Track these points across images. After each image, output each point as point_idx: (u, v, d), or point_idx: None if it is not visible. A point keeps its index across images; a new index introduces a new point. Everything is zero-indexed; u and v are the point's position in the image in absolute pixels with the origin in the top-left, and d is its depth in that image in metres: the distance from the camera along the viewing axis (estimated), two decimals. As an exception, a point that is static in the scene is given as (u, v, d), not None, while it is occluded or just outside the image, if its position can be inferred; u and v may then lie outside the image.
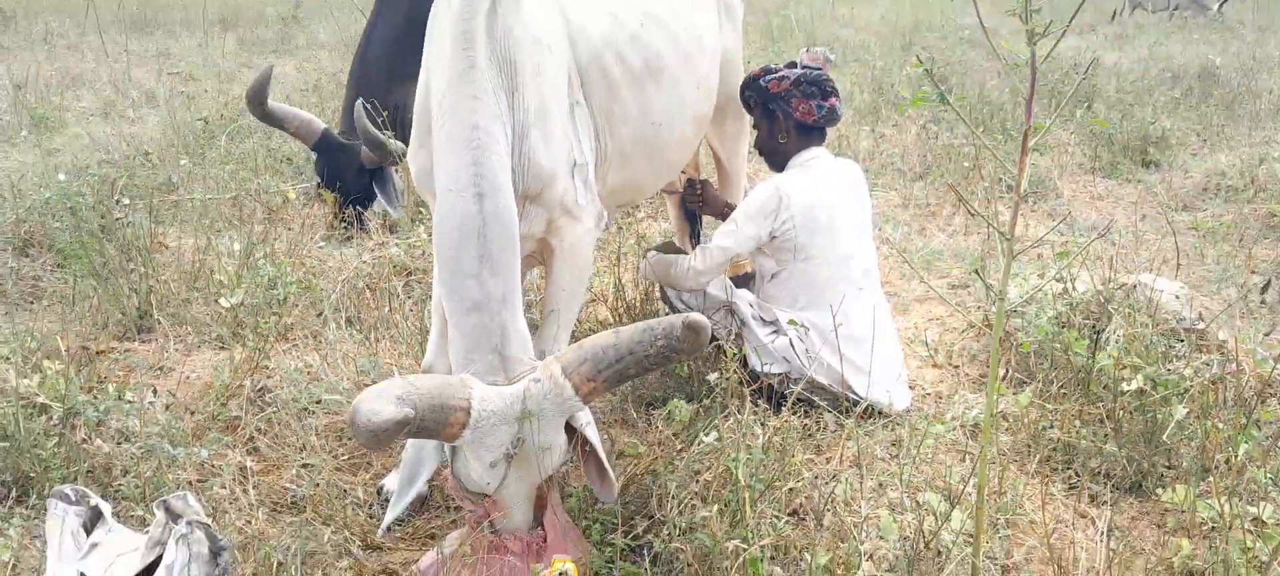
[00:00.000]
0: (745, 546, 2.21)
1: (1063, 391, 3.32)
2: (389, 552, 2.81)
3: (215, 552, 2.27)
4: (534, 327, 3.38)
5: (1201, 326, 3.47)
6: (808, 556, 2.24)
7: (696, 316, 2.28)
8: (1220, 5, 12.32)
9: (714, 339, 3.43)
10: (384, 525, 2.59)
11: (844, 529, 2.36)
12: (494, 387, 2.41)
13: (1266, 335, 3.59)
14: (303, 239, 4.82)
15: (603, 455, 2.58)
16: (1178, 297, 3.81)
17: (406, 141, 5.11)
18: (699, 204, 3.83)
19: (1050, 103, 8.13)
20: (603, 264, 4.62)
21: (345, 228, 5.15)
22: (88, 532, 2.31)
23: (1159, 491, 2.73)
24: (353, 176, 5.16)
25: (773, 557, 2.30)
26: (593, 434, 2.57)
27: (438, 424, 2.28)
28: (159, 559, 2.24)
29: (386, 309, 4.04)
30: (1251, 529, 2.51)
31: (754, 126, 3.61)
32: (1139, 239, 5.24)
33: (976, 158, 6.24)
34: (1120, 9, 14.23)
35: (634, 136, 3.11)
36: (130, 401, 3.04)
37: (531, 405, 2.37)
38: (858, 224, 3.46)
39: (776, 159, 3.54)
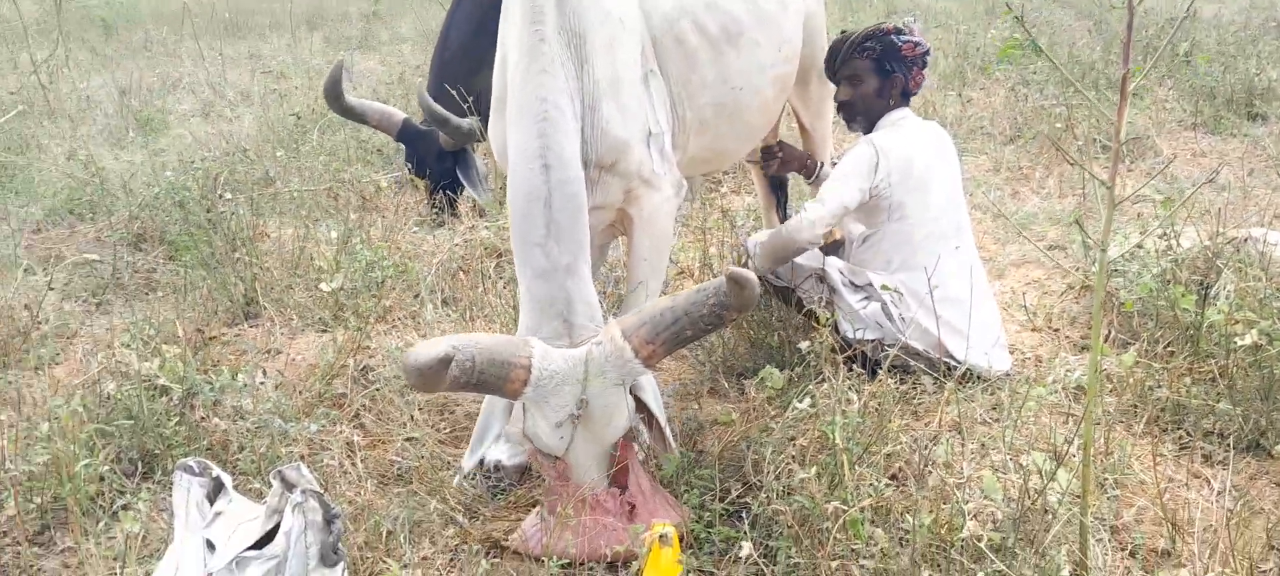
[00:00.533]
0: (845, 508, 2.20)
1: (1170, 349, 3.22)
2: (492, 520, 2.87)
3: (329, 520, 2.35)
4: (617, 300, 3.43)
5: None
6: (909, 518, 2.22)
7: (740, 270, 2.33)
8: None
9: (804, 307, 3.43)
10: (458, 479, 2.70)
11: (945, 490, 2.33)
12: (556, 349, 2.50)
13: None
14: (397, 225, 4.93)
15: (664, 422, 2.66)
16: (1292, 250, 3.65)
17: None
18: (779, 165, 3.77)
19: (1145, 58, 7.85)
20: (687, 238, 4.63)
21: (437, 213, 5.26)
22: (211, 503, 2.41)
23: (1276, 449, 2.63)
24: (434, 162, 5.25)
25: (872, 520, 2.28)
26: (652, 400, 2.64)
27: (498, 377, 2.39)
28: (277, 526, 2.33)
29: (480, 289, 4.11)
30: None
31: (845, 81, 3.50)
32: (1247, 194, 5.04)
33: (1069, 117, 6.06)
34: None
35: (713, 102, 3.12)
36: (243, 382, 3.15)
37: (593, 367, 2.45)
38: (950, 182, 3.39)
39: (864, 119, 3.47)
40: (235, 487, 2.64)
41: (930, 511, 2.31)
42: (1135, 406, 3.08)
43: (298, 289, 4.15)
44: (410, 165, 5.39)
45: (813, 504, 2.25)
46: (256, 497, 2.67)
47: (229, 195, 4.87)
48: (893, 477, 2.51)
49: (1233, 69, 6.95)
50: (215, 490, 2.44)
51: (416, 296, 4.18)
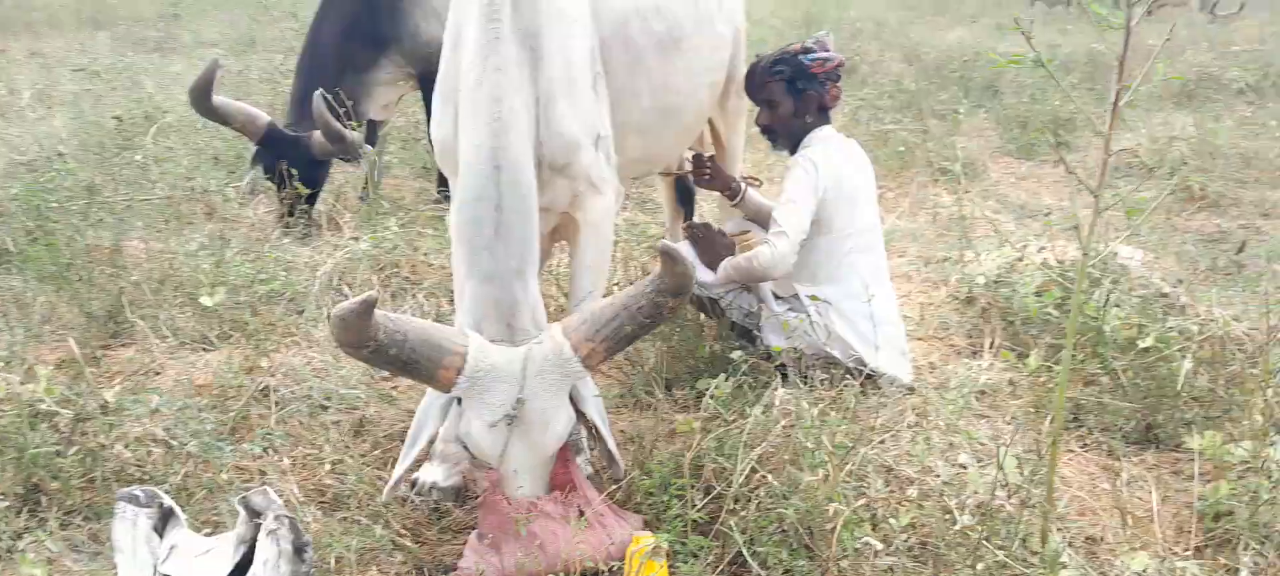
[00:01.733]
0: (844, 508, 2.25)
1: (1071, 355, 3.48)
2: (440, 545, 2.74)
3: (299, 549, 2.17)
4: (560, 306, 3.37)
5: (1176, 289, 3.69)
6: (892, 520, 2.30)
7: (669, 244, 2.37)
8: (1212, 9, 12.81)
9: (727, 316, 3.48)
10: (387, 489, 2.59)
11: (926, 487, 2.43)
12: (494, 345, 2.46)
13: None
14: (261, 237, 4.63)
15: (606, 433, 2.63)
16: (1143, 265, 4.06)
17: (365, 132, 5.02)
18: (708, 181, 3.76)
19: (961, 89, 8.51)
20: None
21: (299, 224, 4.96)
22: (160, 535, 2.17)
23: (1186, 440, 2.89)
24: (306, 169, 4.98)
25: (861, 521, 2.35)
26: (595, 414, 2.62)
27: (430, 360, 2.34)
28: (246, 556, 2.13)
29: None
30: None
31: (764, 103, 3.58)
32: (1070, 217, 5.53)
33: (921, 143, 6.46)
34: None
35: (655, 106, 3.14)
36: (156, 405, 2.85)
37: (531, 366, 2.42)
38: (871, 197, 3.53)
39: (786, 139, 3.55)
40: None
41: (907, 511, 2.40)
42: (1036, 409, 3.30)
43: (170, 305, 3.80)
44: (268, 173, 5.07)
45: (812, 506, 2.28)
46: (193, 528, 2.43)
47: (54, 204, 4.42)
48: (861, 480, 2.58)
49: (1040, 101, 7.62)
50: (163, 520, 2.20)
51: (301, 312, 3.93)
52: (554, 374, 2.44)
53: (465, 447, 2.59)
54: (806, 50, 3.53)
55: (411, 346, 2.30)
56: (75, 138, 6.22)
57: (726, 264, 3.42)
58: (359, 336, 2.21)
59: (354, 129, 4.84)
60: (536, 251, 2.65)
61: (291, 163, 4.95)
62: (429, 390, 2.57)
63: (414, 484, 2.94)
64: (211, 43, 11.63)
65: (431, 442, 2.91)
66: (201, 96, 4.71)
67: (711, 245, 3.55)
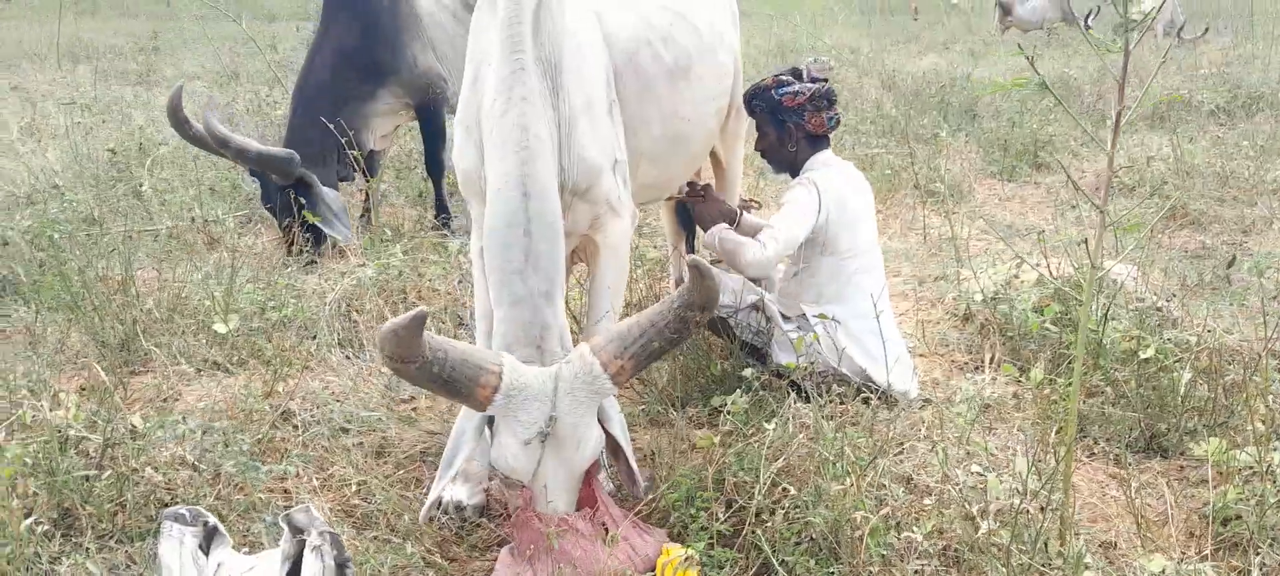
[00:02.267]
0: (871, 516, 2.32)
1: (1064, 367, 3.58)
2: (469, 562, 2.78)
3: (341, 564, 2.21)
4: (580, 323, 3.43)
5: (1169, 304, 3.80)
6: (915, 527, 2.38)
7: (699, 259, 2.42)
8: (1178, 32, 13.08)
9: (738, 336, 3.56)
10: (424, 509, 2.63)
11: (946, 495, 2.51)
12: (527, 365, 2.51)
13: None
14: (270, 265, 4.67)
15: (629, 454, 2.68)
16: (1134, 280, 4.18)
17: (366, 161, 5.07)
18: (700, 205, 3.86)
19: (940, 114, 8.69)
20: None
21: (299, 252, 4.99)
22: (205, 553, 2.20)
23: (1191, 447, 2.99)
24: (276, 194, 5.03)
25: (887, 528, 2.42)
26: (618, 431, 2.66)
27: (468, 380, 2.38)
28: (291, 572, 2.16)
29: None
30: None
31: (757, 129, 3.71)
32: (1061, 234, 5.67)
33: (908, 165, 6.58)
34: (996, 29, 15.11)
35: (665, 134, 3.23)
36: (183, 430, 2.88)
37: (562, 385, 2.47)
38: (871, 219, 3.63)
39: (786, 165, 3.66)
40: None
41: (929, 518, 2.47)
42: (1043, 420, 3.40)
43: (185, 333, 3.83)
44: (268, 201, 5.12)
45: (839, 514, 2.35)
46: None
47: (56, 237, 4.43)
48: (881, 489, 2.65)
49: (1019, 125, 7.80)
50: (207, 539, 2.24)
51: (314, 337, 3.97)
52: (584, 391, 2.49)
53: (494, 467, 2.63)
54: (781, 83, 3.61)
55: (452, 365, 2.35)
56: (69, 170, 6.23)
57: (717, 230, 3.52)
58: (410, 351, 2.25)
59: (357, 160, 4.91)
60: (563, 276, 2.71)
61: (273, 190, 5.03)
62: (463, 411, 2.61)
63: (439, 503, 2.99)
64: (193, 75, 11.63)
65: (456, 477, 2.97)
66: (179, 123, 4.90)
67: (712, 206, 3.67)
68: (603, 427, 2.64)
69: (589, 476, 2.68)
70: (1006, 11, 14.97)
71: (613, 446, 2.72)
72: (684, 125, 3.30)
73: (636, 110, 3.13)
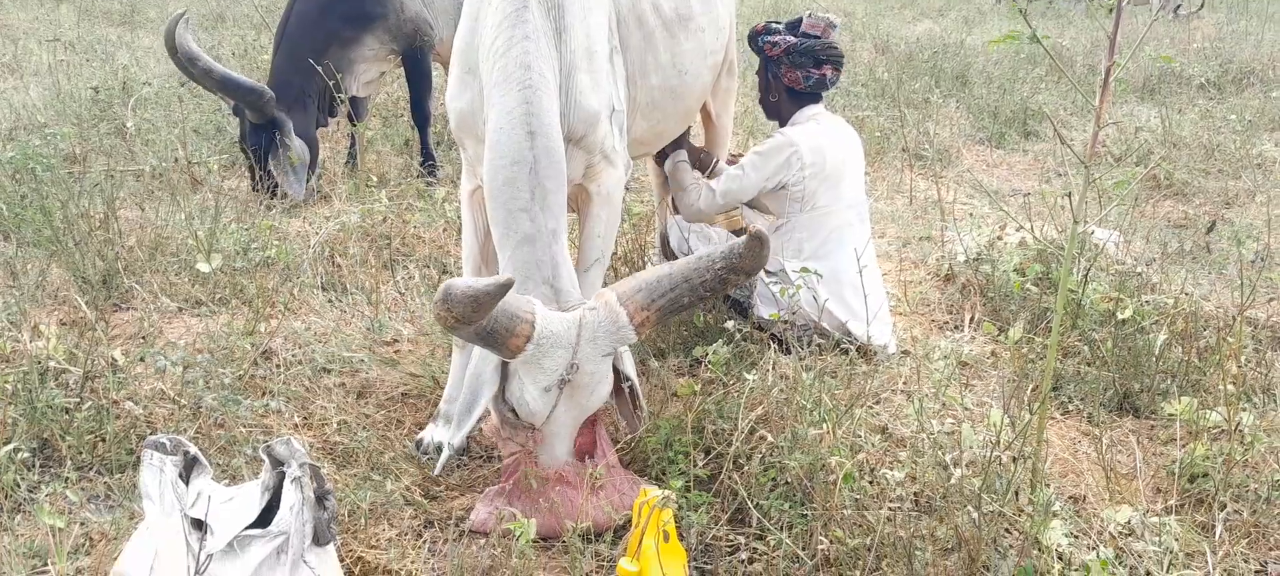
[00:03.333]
0: (845, 461, 2.35)
1: (1045, 327, 3.61)
2: (450, 499, 2.81)
3: (321, 497, 2.22)
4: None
5: (1149, 268, 3.84)
6: (889, 473, 2.41)
7: (762, 229, 2.40)
8: (1176, 10, 13.09)
9: (726, 294, 3.58)
10: (444, 457, 2.57)
11: (921, 445, 2.54)
12: (553, 311, 2.49)
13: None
14: (251, 208, 4.65)
15: (638, 387, 2.68)
16: (1116, 245, 4.21)
17: (350, 105, 5.03)
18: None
19: (932, 79, 8.68)
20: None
21: (268, 193, 4.94)
22: (185, 481, 2.22)
23: (1162, 406, 3.04)
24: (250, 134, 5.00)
25: (862, 475, 2.45)
26: (629, 367, 2.66)
27: (505, 330, 2.36)
28: (271, 503, 2.18)
29: (368, 274, 3.97)
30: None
31: (758, 72, 3.72)
32: (1046, 197, 5.69)
33: (898, 128, 6.59)
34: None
35: (662, 84, 3.20)
36: (165, 362, 2.88)
37: (586, 332, 2.45)
38: (856, 174, 3.64)
39: (772, 111, 3.67)
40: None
41: (903, 466, 2.50)
42: (1020, 378, 3.43)
43: (168, 271, 3.82)
44: (244, 142, 5.07)
45: (813, 460, 2.38)
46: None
47: (41, 171, 4.41)
48: (857, 437, 2.69)
49: (1010, 92, 7.80)
50: (187, 469, 2.25)
51: (297, 279, 3.96)
52: (605, 339, 2.48)
53: (504, 407, 2.60)
54: (767, 29, 3.60)
55: (494, 317, 2.30)
56: (51, 108, 6.17)
57: (676, 156, 3.63)
58: (479, 315, 2.22)
59: (341, 102, 4.87)
60: (566, 216, 2.68)
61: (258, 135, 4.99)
62: (479, 354, 2.56)
63: (419, 444, 3.01)
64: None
65: (436, 419, 2.98)
66: (173, 49, 4.73)
67: (694, 157, 3.76)
68: (616, 369, 2.64)
69: (593, 418, 2.69)
70: None
71: (617, 387, 2.72)
72: (681, 78, 3.27)
73: (636, 60, 3.09)
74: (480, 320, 2.25)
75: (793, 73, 3.57)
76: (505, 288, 2.21)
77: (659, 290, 2.47)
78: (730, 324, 3.19)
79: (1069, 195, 2.59)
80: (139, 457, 2.24)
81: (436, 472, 2.63)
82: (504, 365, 2.51)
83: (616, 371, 2.65)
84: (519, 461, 2.63)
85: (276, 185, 4.95)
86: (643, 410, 2.71)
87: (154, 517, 2.17)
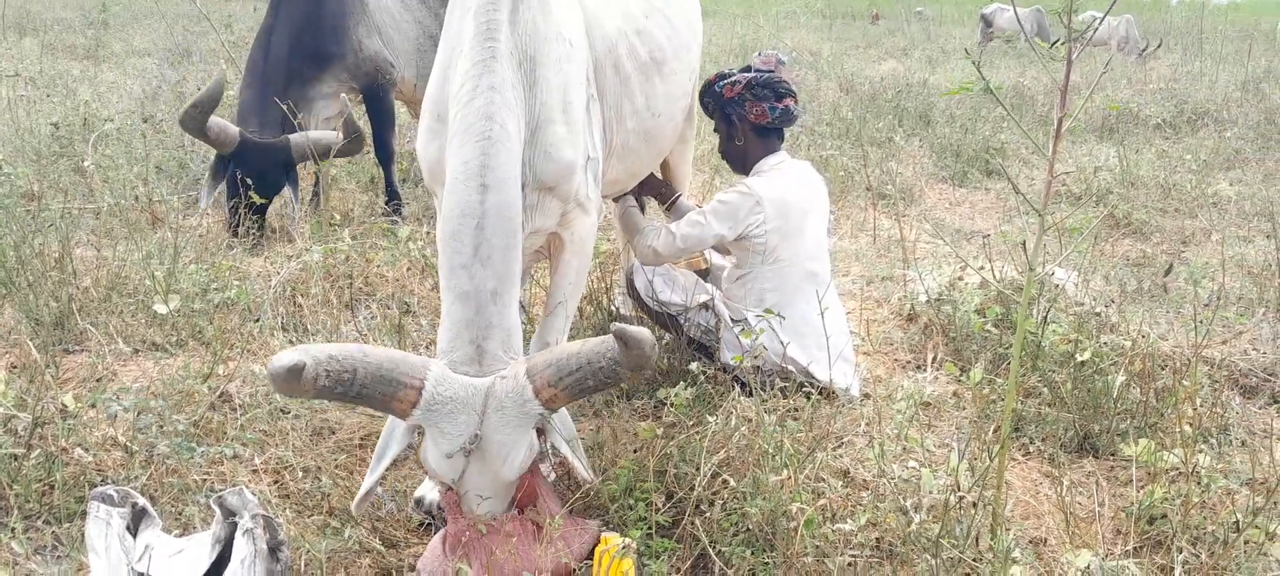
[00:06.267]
0: (806, 507, 2.35)
1: (1004, 368, 3.64)
2: (407, 548, 2.77)
3: (273, 548, 2.19)
4: (535, 321, 3.41)
5: (1108, 309, 3.88)
6: (849, 520, 2.40)
7: (628, 328, 2.30)
8: (1140, 52, 13.43)
9: (686, 332, 3.58)
10: (356, 501, 2.52)
11: (882, 489, 2.54)
12: (457, 376, 2.43)
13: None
14: (213, 246, 4.60)
15: (570, 456, 2.57)
16: (1075, 286, 4.26)
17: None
18: (639, 188, 3.83)
19: (896, 118, 8.79)
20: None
21: (247, 234, 4.91)
22: (133, 534, 2.17)
23: (1121, 447, 3.06)
24: (279, 173, 4.97)
25: (823, 520, 2.44)
26: (560, 440, 2.56)
27: (383, 394, 2.32)
28: (222, 555, 2.14)
29: (330, 314, 3.93)
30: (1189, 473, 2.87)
31: (714, 131, 3.75)
32: (1006, 238, 5.76)
33: (861, 167, 6.65)
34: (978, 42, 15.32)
35: (637, 128, 3.19)
36: (117, 408, 2.82)
37: (493, 401, 2.39)
38: (820, 223, 3.65)
39: (739, 163, 3.68)
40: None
41: (864, 511, 2.50)
42: (981, 419, 3.45)
43: (124, 312, 3.76)
44: (234, 182, 5.01)
45: (775, 506, 2.37)
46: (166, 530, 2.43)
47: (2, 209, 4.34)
48: (819, 482, 2.68)
49: (972, 131, 7.91)
50: (135, 520, 2.20)
51: (257, 320, 3.92)
52: (514, 410, 2.41)
53: (425, 466, 2.57)
54: (722, 76, 3.63)
55: (360, 383, 2.27)
56: (9, 144, 6.09)
57: (625, 203, 3.71)
58: (294, 392, 2.20)
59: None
60: (517, 274, 2.60)
61: (263, 170, 4.92)
62: None
63: (421, 502, 2.92)
64: (144, 51, 11.44)
65: (396, 462, 2.91)
66: (206, 112, 4.68)
67: (649, 183, 3.81)
68: (546, 438, 2.56)
69: (531, 470, 2.64)
70: (988, 24, 15.24)
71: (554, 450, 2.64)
72: (655, 120, 3.25)
73: (613, 105, 3.07)
74: (297, 395, 2.21)
75: (757, 107, 3.56)
76: (296, 371, 2.14)
77: (566, 368, 2.38)
78: (694, 365, 3.19)
79: (1024, 244, 2.61)
80: (87, 508, 2.19)
81: (353, 508, 2.57)
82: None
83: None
84: (450, 514, 2.56)
85: (259, 224, 4.95)
86: (584, 474, 2.60)
87: (100, 572, 2.12)
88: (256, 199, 4.75)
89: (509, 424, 2.41)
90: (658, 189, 3.91)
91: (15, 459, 2.70)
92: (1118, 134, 8.56)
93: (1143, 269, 5.22)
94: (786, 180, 3.55)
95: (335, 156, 4.96)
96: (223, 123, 4.82)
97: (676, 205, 3.86)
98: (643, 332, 2.30)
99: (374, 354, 2.33)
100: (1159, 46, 12.88)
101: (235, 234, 4.86)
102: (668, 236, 3.52)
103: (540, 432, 2.56)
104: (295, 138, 4.88)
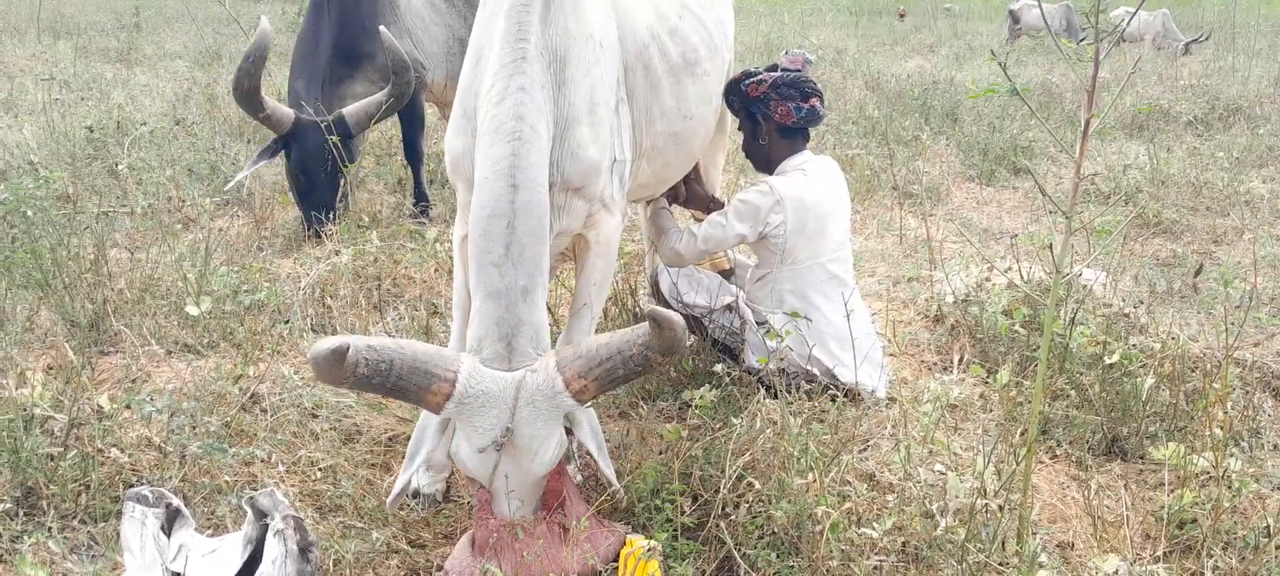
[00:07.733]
0: (832, 511, 2.35)
1: (1031, 370, 3.62)
2: (435, 548, 2.79)
3: (304, 549, 2.22)
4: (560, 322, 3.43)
5: (1137, 310, 3.85)
6: (876, 523, 2.40)
7: (662, 311, 2.34)
8: (1186, 45, 13.34)
9: (714, 337, 3.58)
10: (389, 499, 2.57)
11: (908, 492, 2.54)
12: (489, 370, 2.46)
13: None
14: (244, 248, 4.66)
15: (598, 456, 2.61)
16: (1104, 286, 4.23)
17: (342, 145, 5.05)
18: (686, 200, 3.89)
19: (922, 117, 8.74)
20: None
21: (322, 223, 4.94)
22: (167, 534, 2.21)
23: (1150, 450, 3.04)
24: (342, 146, 5.00)
25: (848, 523, 2.44)
26: (588, 438, 2.59)
27: (418, 386, 2.36)
28: (253, 554, 2.17)
29: (359, 316, 3.97)
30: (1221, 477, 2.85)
31: (739, 130, 3.75)
32: (1033, 239, 5.72)
33: (888, 166, 6.62)
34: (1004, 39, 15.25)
35: (668, 130, 3.18)
36: (150, 410, 2.87)
37: (524, 394, 2.42)
38: (843, 223, 3.64)
39: (762, 162, 3.68)
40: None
41: (890, 515, 2.50)
42: (1008, 421, 3.44)
43: (157, 314, 3.82)
44: (295, 168, 5.06)
45: (800, 509, 2.37)
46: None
47: (30, 213, 4.41)
48: (844, 485, 2.69)
49: (1000, 129, 7.85)
50: (169, 520, 2.24)
51: (287, 322, 3.96)
52: (544, 403, 2.44)
53: (455, 462, 2.60)
54: (747, 75, 3.62)
55: (397, 374, 2.31)
56: (45, 147, 6.19)
57: (658, 204, 3.69)
58: (335, 377, 2.24)
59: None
60: (546, 272, 2.63)
61: (322, 146, 4.95)
62: None
63: (417, 493, 2.97)
64: (175, 54, 11.58)
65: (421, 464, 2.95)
66: (255, 81, 4.74)
67: (694, 189, 3.85)
68: (572, 433, 2.60)
69: (558, 470, 2.66)
70: (1016, 20, 15.14)
71: (583, 451, 2.68)
72: (686, 123, 3.25)
73: (643, 107, 3.07)
74: (337, 381, 2.25)
75: (783, 106, 3.55)
76: (340, 354, 2.20)
77: (596, 359, 2.42)
78: (719, 367, 3.20)
79: (1051, 246, 2.60)
80: (122, 507, 2.23)
81: (387, 508, 2.61)
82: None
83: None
84: (479, 516, 2.59)
85: (329, 211, 5.02)
86: (610, 478, 2.63)
87: (134, 571, 2.16)
88: (348, 168, 4.79)
89: (540, 417, 2.44)
90: (704, 204, 3.89)
91: (52, 459, 2.75)
92: (1148, 131, 8.46)
93: (1173, 269, 5.17)
94: (809, 181, 3.55)
95: (387, 105, 4.98)
96: (277, 104, 4.88)
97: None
98: (675, 316, 2.33)
99: (410, 347, 2.38)
100: (1208, 38, 12.71)
101: (317, 235, 4.90)
102: (690, 238, 3.53)
103: (568, 432, 2.59)
104: (347, 110, 4.94)
